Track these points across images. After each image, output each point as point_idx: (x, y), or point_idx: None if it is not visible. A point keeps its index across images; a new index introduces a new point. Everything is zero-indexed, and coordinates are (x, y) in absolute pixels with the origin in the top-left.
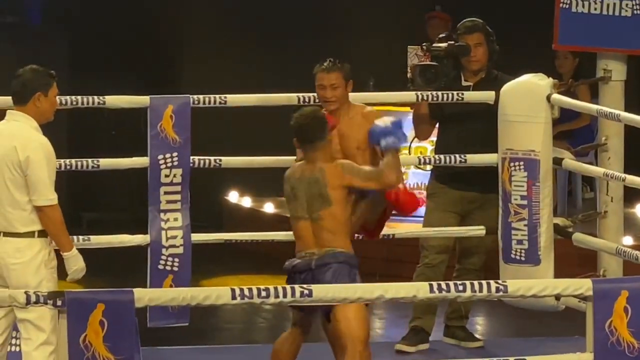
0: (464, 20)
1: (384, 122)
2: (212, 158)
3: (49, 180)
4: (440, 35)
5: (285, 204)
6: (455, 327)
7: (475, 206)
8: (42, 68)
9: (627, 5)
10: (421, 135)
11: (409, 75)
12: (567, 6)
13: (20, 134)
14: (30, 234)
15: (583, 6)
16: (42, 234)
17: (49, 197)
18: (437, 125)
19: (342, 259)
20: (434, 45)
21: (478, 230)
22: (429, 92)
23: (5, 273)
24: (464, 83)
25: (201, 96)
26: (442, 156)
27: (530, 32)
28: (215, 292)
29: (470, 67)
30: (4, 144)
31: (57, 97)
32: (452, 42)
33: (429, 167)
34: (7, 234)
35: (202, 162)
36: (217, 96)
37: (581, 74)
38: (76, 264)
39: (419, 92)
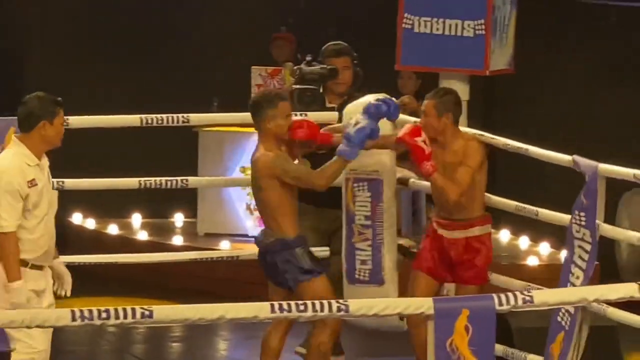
0: (330, 43)
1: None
2: (55, 180)
3: (2, 208)
4: (308, 59)
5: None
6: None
7: (339, 224)
8: (48, 95)
9: (469, 25)
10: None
11: (252, 95)
12: (410, 27)
13: None
14: None
15: (425, 27)
16: None
17: (4, 224)
18: None
19: (278, 246)
20: (308, 69)
21: (322, 252)
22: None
23: None
24: (328, 105)
25: None
26: None
27: (374, 53)
28: (54, 314)
29: (337, 90)
30: None
31: None
32: (325, 65)
33: None
34: None
35: None
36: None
37: (423, 95)
38: (12, 296)
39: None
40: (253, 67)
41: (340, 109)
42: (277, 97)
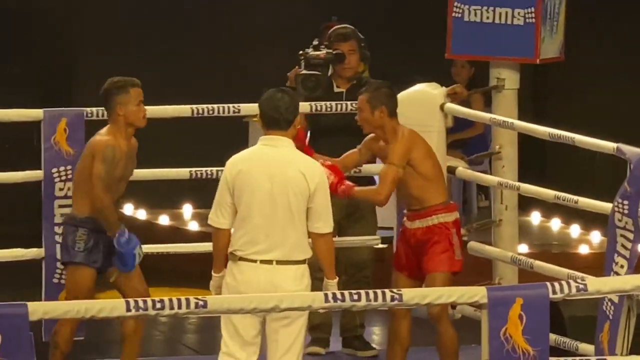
0: (336, 27)
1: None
2: None
3: (330, 207)
4: (314, 43)
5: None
6: (352, 337)
7: (348, 212)
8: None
9: (519, 13)
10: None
11: (287, 84)
12: (460, 15)
13: (303, 161)
14: (304, 262)
15: (475, 15)
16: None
17: (331, 223)
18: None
19: (67, 219)
20: (312, 53)
21: (373, 240)
22: (324, 103)
23: None
24: (336, 90)
25: (95, 109)
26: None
27: (426, 40)
28: (109, 305)
29: (344, 74)
30: (286, 170)
31: None
32: (331, 50)
33: None
34: (283, 262)
35: None
36: None
37: (476, 83)
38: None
39: (312, 103)
40: None
41: (348, 94)
42: (128, 83)
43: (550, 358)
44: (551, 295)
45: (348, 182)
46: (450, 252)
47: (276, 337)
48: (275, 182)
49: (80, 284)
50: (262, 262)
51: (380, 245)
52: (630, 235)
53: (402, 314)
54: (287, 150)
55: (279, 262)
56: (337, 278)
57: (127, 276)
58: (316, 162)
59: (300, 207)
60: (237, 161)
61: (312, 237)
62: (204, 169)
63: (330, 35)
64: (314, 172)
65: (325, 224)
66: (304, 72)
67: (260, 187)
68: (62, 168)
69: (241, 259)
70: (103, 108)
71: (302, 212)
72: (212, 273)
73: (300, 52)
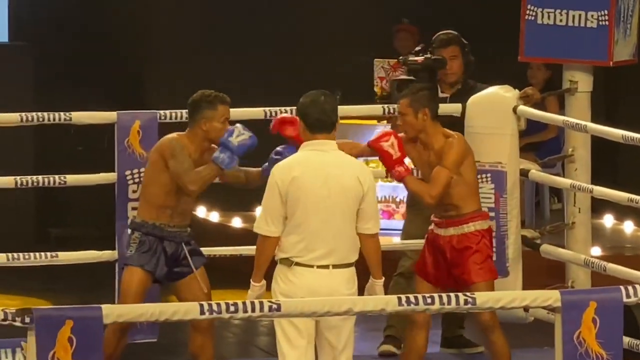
0: (439, 33)
1: (238, 134)
2: None
3: (378, 206)
4: (416, 49)
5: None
6: (453, 337)
7: None
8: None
9: (592, 16)
10: None
11: (375, 88)
12: (533, 18)
13: (355, 164)
14: (353, 264)
15: (549, 18)
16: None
17: (379, 223)
18: None
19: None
20: (410, 59)
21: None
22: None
23: None
24: (440, 95)
25: (168, 111)
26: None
27: (502, 43)
28: (183, 307)
29: (446, 80)
30: (340, 175)
31: (24, 114)
32: (429, 55)
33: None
34: (338, 266)
35: None
36: (184, 111)
37: (553, 85)
38: (382, 292)
39: (385, 105)
40: (376, 59)
41: (452, 98)
42: (217, 99)
43: None
44: (625, 299)
45: (407, 166)
46: (490, 260)
47: (328, 337)
48: (330, 187)
49: (128, 285)
50: (319, 267)
51: None
52: None
53: (421, 323)
54: (336, 154)
55: (335, 267)
56: (383, 278)
57: (186, 283)
58: (363, 162)
59: (353, 210)
60: (289, 168)
61: (362, 237)
62: None
63: (434, 41)
64: (365, 174)
65: (375, 224)
66: (400, 77)
67: (316, 193)
68: (135, 170)
69: (297, 264)
70: (176, 111)
71: (354, 215)
72: (252, 282)
73: (400, 57)
